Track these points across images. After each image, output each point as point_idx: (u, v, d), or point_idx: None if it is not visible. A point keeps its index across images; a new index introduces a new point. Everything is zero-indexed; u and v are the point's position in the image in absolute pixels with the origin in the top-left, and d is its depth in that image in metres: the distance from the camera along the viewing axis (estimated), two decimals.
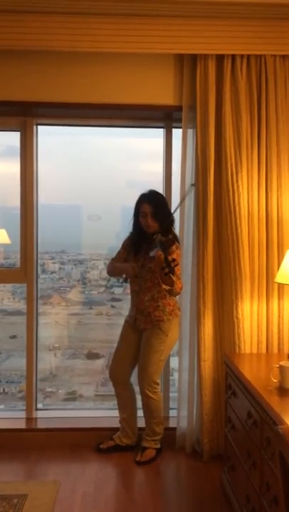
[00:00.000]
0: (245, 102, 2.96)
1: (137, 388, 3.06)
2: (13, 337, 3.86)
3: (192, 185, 2.93)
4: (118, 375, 3.06)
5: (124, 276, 2.97)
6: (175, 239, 2.84)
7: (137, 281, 2.94)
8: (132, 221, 2.96)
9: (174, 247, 2.67)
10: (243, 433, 2.23)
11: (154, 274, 2.86)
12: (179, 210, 2.96)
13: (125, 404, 3.08)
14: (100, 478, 2.79)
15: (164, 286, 2.73)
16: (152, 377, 2.94)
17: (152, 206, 2.84)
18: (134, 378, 3.10)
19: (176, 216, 2.98)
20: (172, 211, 2.87)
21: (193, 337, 3.07)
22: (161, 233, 2.67)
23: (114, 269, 2.99)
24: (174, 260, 2.56)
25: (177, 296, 3.02)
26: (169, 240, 2.65)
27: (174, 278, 2.66)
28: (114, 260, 3.03)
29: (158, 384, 3.00)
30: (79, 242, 3.98)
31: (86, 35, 2.87)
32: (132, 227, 2.98)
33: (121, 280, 3.02)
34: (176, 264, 2.59)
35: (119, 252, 3.04)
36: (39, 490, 2.61)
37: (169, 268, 2.54)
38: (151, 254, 2.72)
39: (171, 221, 2.85)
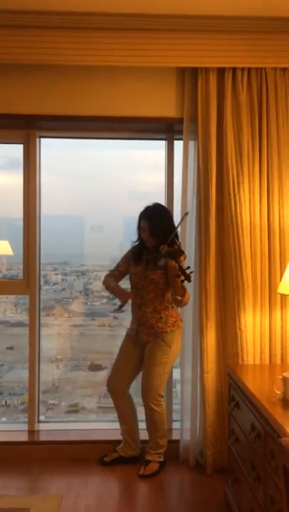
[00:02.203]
0: (246, 114, 2.98)
1: (136, 400, 3.05)
2: (10, 348, 3.86)
3: (186, 213, 2.96)
4: (116, 387, 3.05)
5: (118, 302, 2.94)
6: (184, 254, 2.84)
7: (139, 294, 2.93)
8: (137, 232, 2.99)
9: (182, 257, 2.68)
10: (247, 445, 2.21)
11: (156, 285, 2.86)
12: (180, 223, 2.98)
13: (125, 416, 3.06)
14: (103, 492, 2.76)
15: (176, 296, 2.71)
16: (157, 389, 2.93)
17: (149, 223, 2.87)
18: (133, 390, 3.08)
19: (178, 228, 2.99)
20: (174, 227, 2.87)
21: (196, 348, 3.06)
22: (167, 245, 2.69)
23: (109, 287, 3.00)
24: (188, 267, 2.59)
25: (179, 308, 3.02)
26: (177, 250, 2.67)
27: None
28: (111, 272, 3.04)
29: (162, 396, 2.98)
30: (81, 253, 3.99)
31: (88, 49, 2.91)
32: (136, 238, 3.01)
33: (116, 308, 2.99)
34: (192, 272, 2.61)
35: (117, 265, 3.05)
36: (41, 504, 2.59)
37: (185, 275, 2.57)
38: (160, 263, 2.75)
39: (174, 235, 2.81)
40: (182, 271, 2.57)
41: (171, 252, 2.65)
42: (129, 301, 2.94)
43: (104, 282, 3.03)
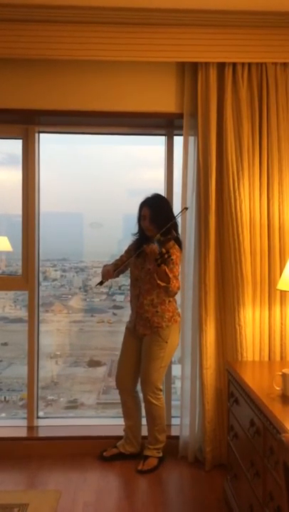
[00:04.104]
0: (246, 109, 2.97)
1: (141, 395, 3.05)
2: (5, 344, 3.85)
3: (186, 208, 2.98)
4: (124, 383, 3.05)
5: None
6: (176, 240, 2.85)
7: (138, 285, 2.94)
8: (137, 224, 2.99)
9: (170, 243, 2.71)
10: (246, 441, 2.21)
11: (152, 275, 2.87)
12: (180, 217, 2.97)
13: (130, 413, 3.07)
14: (102, 488, 2.76)
15: (158, 281, 2.73)
16: (155, 383, 2.93)
17: (151, 210, 2.88)
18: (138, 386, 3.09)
19: (178, 223, 2.98)
20: (173, 217, 2.88)
21: (195, 344, 3.05)
22: (161, 234, 2.71)
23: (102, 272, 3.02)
24: (167, 252, 2.61)
25: (177, 302, 3.02)
26: (167, 238, 2.68)
27: (170, 275, 2.70)
28: (113, 262, 3.06)
29: (161, 390, 2.98)
30: (81, 250, 3.98)
31: (88, 44, 2.89)
32: (136, 230, 3.01)
33: (96, 284, 3.02)
34: (169, 255, 2.63)
35: (121, 256, 3.07)
36: (40, 499, 2.59)
37: (161, 259, 2.58)
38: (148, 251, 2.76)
39: (172, 224, 2.83)
40: (160, 254, 2.60)
41: (161, 240, 2.68)
42: (130, 297, 2.95)
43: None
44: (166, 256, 2.60)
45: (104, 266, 3.01)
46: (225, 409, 2.91)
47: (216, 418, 3.03)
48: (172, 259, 2.70)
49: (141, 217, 2.93)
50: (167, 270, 2.69)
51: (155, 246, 2.67)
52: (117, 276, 3.07)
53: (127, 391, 3.05)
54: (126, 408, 3.07)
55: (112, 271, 2.94)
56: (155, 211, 2.87)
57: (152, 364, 2.92)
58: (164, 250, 2.61)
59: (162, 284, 2.73)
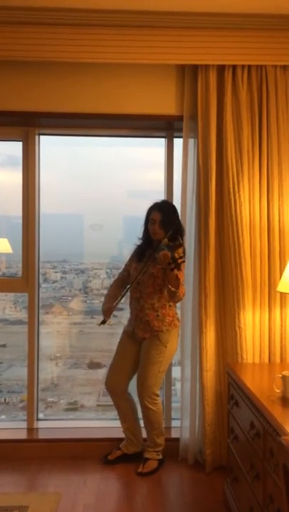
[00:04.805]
0: (246, 111, 2.98)
1: (136, 398, 3.04)
2: (3, 346, 3.85)
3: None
4: (115, 385, 3.04)
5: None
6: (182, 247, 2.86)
7: (138, 288, 2.94)
8: (143, 228, 3.00)
9: (180, 250, 2.73)
10: (246, 444, 2.21)
11: (155, 279, 2.87)
12: (180, 219, 2.99)
13: (125, 415, 3.06)
14: (102, 490, 2.76)
15: (169, 286, 2.75)
16: (152, 388, 2.92)
17: (162, 214, 2.89)
18: (132, 387, 3.08)
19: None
20: (180, 224, 2.91)
21: (196, 347, 3.05)
22: (169, 239, 2.74)
23: (106, 294, 3.07)
24: (181, 257, 2.64)
25: (177, 306, 3.02)
26: (176, 244, 2.72)
27: (180, 280, 2.72)
28: (120, 274, 3.09)
29: (158, 395, 2.98)
30: (81, 252, 3.98)
31: (88, 46, 2.90)
32: (141, 234, 3.02)
33: (99, 323, 2.98)
34: (183, 261, 2.66)
35: (125, 265, 3.08)
36: (40, 501, 2.59)
37: (175, 263, 2.61)
38: (157, 255, 2.77)
39: (179, 230, 2.88)
40: (173, 259, 2.62)
41: (170, 245, 2.71)
42: (128, 295, 2.98)
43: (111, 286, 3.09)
44: (179, 261, 2.63)
45: (105, 303, 3.00)
46: (225, 411, 2.91)
47: (216, 420, 3.03)
48: (185, 263, 2.73)
49: (149, 221, 2.93)
50: (179, 275, 2.72)
51: (166, 252, 2.67)
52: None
53: (117, 394, 3.04)
54: (119, 411, 3.06)
55: (113, 307, 2.95)
56: (165, 215, 2.88)
57: (150, 368, 2.91)
58: (176, 255, 2.63)
59: (173, 289, 2.75)
